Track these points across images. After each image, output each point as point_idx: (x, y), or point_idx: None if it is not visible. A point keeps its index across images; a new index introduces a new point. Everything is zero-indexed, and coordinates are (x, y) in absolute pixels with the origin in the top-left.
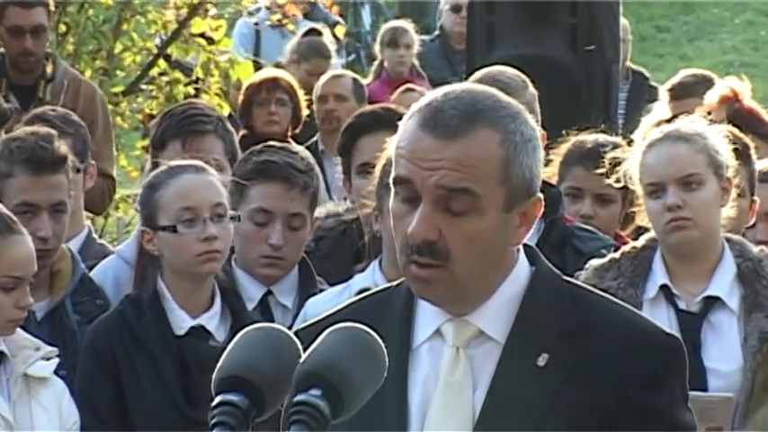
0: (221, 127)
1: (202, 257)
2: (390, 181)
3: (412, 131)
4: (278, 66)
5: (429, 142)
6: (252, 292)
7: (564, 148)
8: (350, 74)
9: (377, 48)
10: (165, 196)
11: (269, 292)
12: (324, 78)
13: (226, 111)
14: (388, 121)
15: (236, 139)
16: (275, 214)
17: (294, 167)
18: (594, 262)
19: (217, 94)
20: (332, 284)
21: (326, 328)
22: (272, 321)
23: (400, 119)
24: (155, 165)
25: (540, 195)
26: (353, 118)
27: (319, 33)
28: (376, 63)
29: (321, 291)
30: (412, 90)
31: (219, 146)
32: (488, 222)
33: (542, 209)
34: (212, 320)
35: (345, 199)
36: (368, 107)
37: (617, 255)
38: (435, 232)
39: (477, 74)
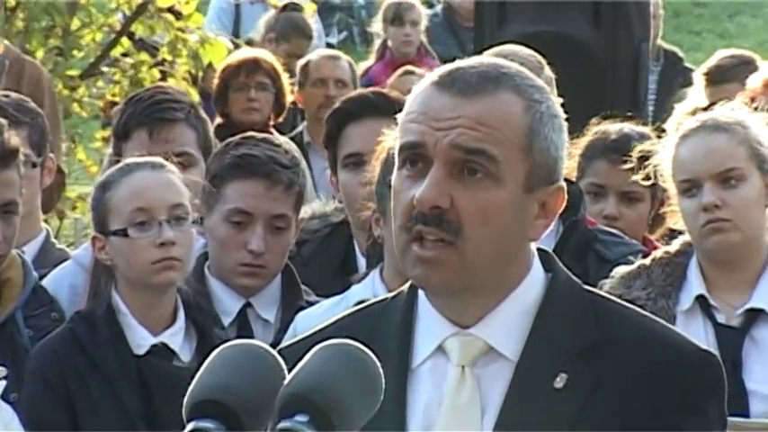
0: (193, 115)
1: (158, 265)
2: (396, 151)
3: (425, 93)
4: (249, 44)
5: (445, 100)
6: (228, 305)
7: (585, 139)
8: (345, 56)
9: (379, 26)
10: (116, 197)
11: (248, 304)
12: (318, 59)
13: (195, 98)
14: (378, 108)
15: (211, 128)
16: (255, 216)
17: (277, 162)
18: (621, 269)
19: (184, 79)
20: (317, 296)
21: (314, 345)
22: (252, 338)
23: (394, 104)
24: (117, 158)
25: (564, 184)
26: (339, 104)
27: (299, 8)
28: (378, 42)
29: (308, 303)
30: (411, 73)
31: (191, 136)
32: (506, 196)
33: (564, 203)
34: (176, 338)
35: (334, 198)
36: (356, 91)
37: (647, 261)
38: (447, 199)
39: (486, 53)
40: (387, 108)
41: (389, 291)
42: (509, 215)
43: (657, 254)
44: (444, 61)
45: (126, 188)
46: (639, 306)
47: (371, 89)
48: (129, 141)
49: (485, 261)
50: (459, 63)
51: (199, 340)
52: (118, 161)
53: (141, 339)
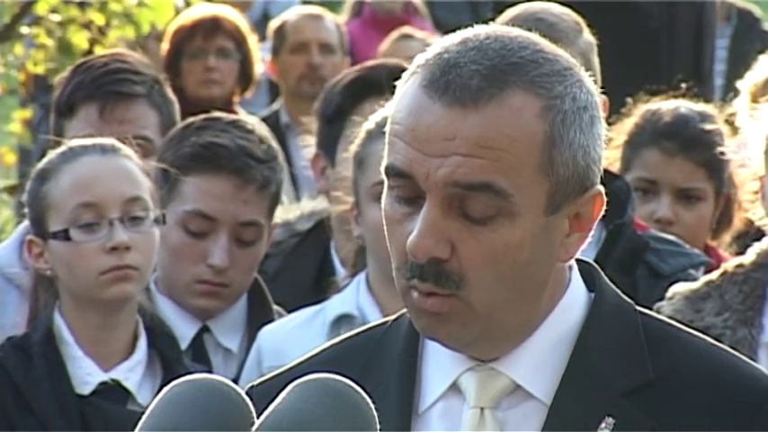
0: (158, 92)
1: (108, 276)
2: (382, 170)
3: (412, 98)
4: None
5: (437, 113)
6: (181, 330)
7: (631, 122)
8: (331, 16)
9: None
10: (57, 189)
11: (205, 329)
12: (297, 19)
13: None
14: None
15: (178, 110)
16: (219, 222)
17: (251, 155)
18: (681, 288)
19: (113, 47)
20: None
21: (292, 381)
22: (210, 371)
23: None
24: (57, 139)
25: (601, 188)
26: (365, 70)
27: None
28: None
29: None
30: (409, 36)
31: (153, 118)
32: (523, 232)
33: (603, 207)
34: (133, 374)
35: (328, 192)
36: (388, 61)
37: (714, 277)
38: (446, 247)
39: (511, 12)
40: None
41: (378, 302)
42: (528, 249)
43: (729, 267)
44: (451, 29)
45: (69, 178)
46: (715, 337)
47: (388, 62)
48: (74, 119)
49: (501, 307)
50: (456, 53)
51: (164, 377)
52: (58, 143)
53: (87, 375)
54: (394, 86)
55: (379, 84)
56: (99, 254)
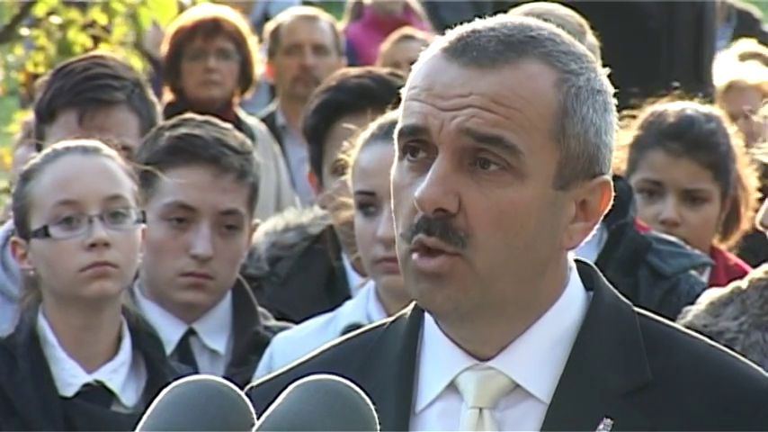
0: (138, 96)
1: (88, 273)
2: (395, 136)
3: (430, 64)
4: None
5: (454, 73)
6: (167, 333)
7: (636, 123)
8: (326, 16)
9: None
10: (39, 187)
11: (191, 331)
12: (291, 21)
13: (139, 67)
14: (384, 99)
15: (159, 112)
16: (200, 212)
17: (225, 145)
18: (711, 293)
19: (122, 44)
20: (296, 322)
21: (292, 383)
22: (196, 373)
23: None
24: (38, 144)
25: (610, 179)
26: (331, 91)
27: None
28: None
29: (266, 328)
30: (411, 37)
31: (133, 123)
32: (530, 194)
33: (610, 201)
34: (117, 375)
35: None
36: (351, 73)
37: (743, 283)
38: (453, 200)
39: (515, 12)
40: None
41: (386, 311)
42: (535, 218)
43: (756, 273)
44: (445, 28)
45: (50, 176)
46: (728, 341)
47: (371, 72)
48: (54, 125)
49: (502, 274)
50: (475, 25)
51: (149, 378)
52: (39, 147)
53: (71, 377)
54: (361, 101)
55: (347, 103)
56: (78, 251)
